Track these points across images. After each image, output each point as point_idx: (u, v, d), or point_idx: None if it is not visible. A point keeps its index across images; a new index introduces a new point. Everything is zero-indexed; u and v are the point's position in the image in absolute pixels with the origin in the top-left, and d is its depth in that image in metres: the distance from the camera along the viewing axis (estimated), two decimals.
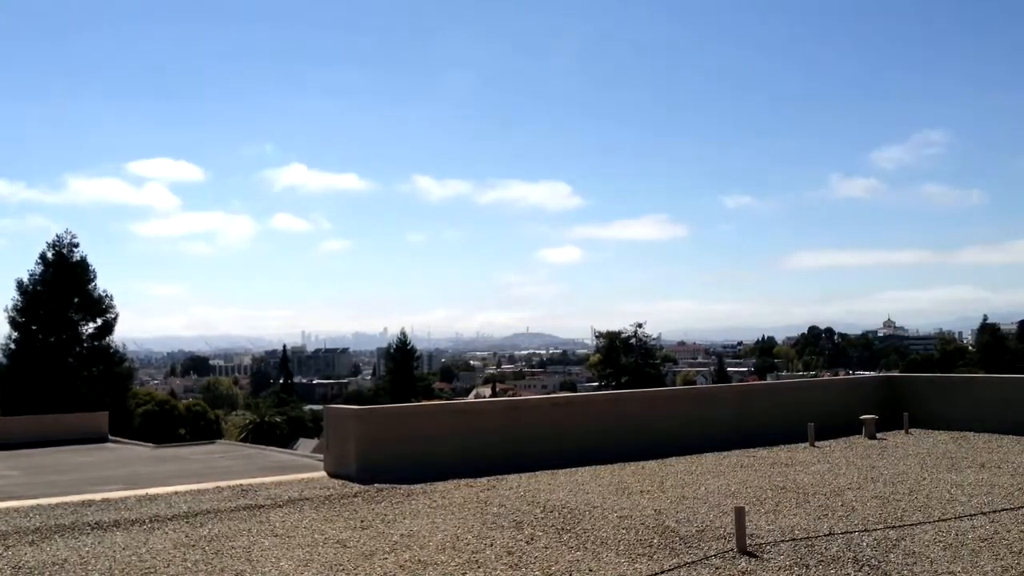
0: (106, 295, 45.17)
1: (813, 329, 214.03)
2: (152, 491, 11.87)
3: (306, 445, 55.34)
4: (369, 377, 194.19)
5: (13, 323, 43.35)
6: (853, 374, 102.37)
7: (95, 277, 45.16)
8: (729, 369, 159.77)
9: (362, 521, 9.57)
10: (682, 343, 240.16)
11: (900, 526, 8.78)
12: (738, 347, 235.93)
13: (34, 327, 43.31)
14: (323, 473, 13.27)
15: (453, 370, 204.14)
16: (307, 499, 11.05)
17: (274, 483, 12.41)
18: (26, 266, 44.56)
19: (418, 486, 11.75)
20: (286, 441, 62.56)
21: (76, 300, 44.22)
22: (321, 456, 15.22)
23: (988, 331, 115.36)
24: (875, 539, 8.19)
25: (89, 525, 9.55)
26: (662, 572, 7.24)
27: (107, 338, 45.29)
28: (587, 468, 13.12)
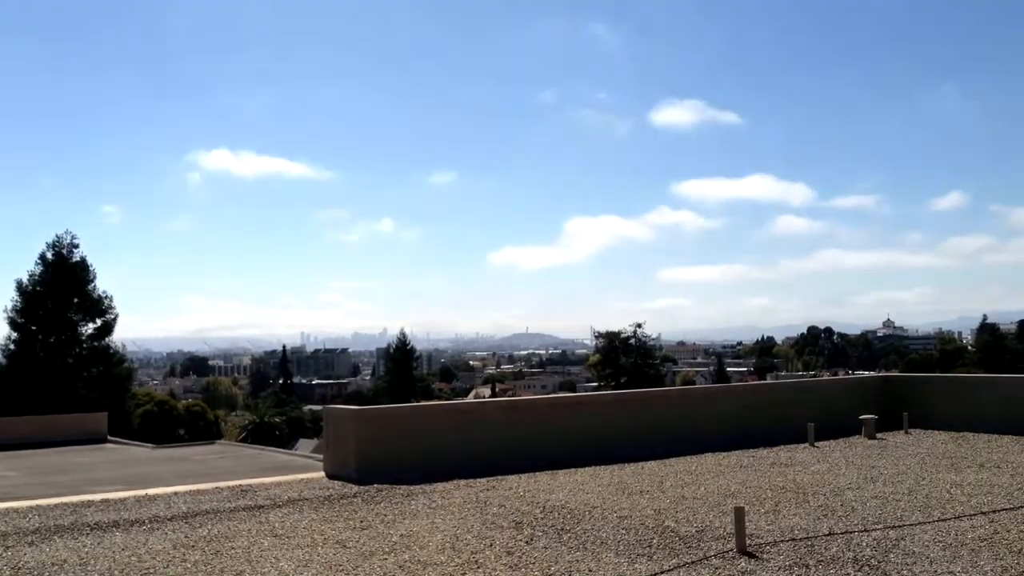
0: (106, 296, 45.19)
1: (812, 329, 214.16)
2: (151, 491, 11.86)
3: (305, 445, 55.39)
4: (369, 377, 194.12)
5: (13, 324, 43.32)
6: (853, 374, 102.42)
7: (95, 277, 45.16)
8: (729, 369, 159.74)
9: (361, 521, 9.57)
10: (682, 343, 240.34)
11: (900, 526, 8.78)
12: (738, 347, 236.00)
13: (34, 327, 43.28)
14: (322, 473, 13.26)
15: (452, 370, 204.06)
16: (306, 499, 11.04)
17: (273, 483, 12.40)
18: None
19: (417, 486, 11.75)
20: (285, 441, 62.68)
21: (76, 301, 44.19)
22: (320, 456, 15.21)
23: (988, 331, 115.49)
24: (875, 539, 8.19)
25: (88, 526, 9.55)
26: (662, 572, 7.24)
27: (107, 339, 45.30)
28: (587, 468, 13.12)
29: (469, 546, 8.27)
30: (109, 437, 26.80)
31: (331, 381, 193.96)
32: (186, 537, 8.91)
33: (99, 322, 44.90)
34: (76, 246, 44.85)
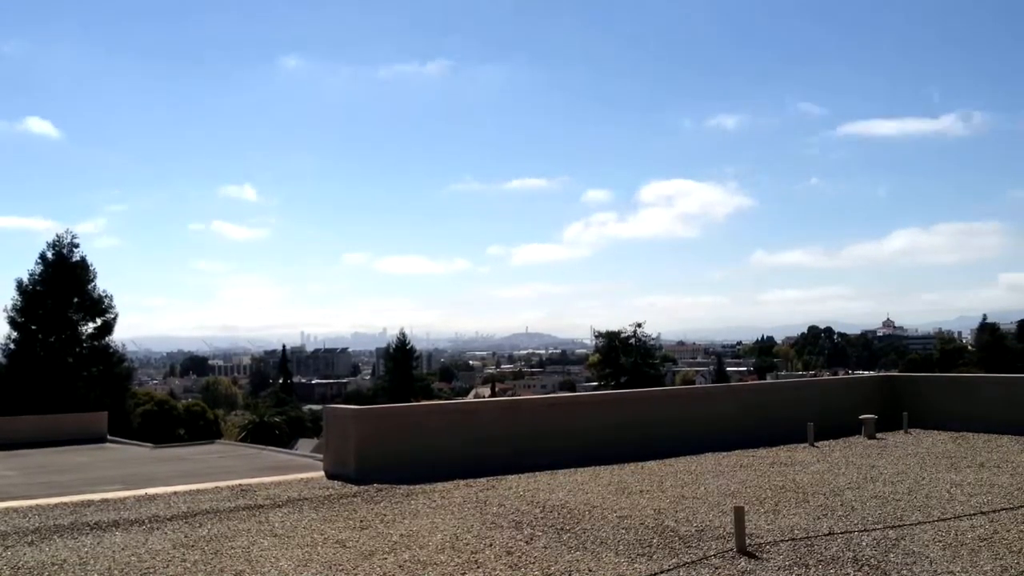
0: (106, 295, 45.22)
1: (812, 329, 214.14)
2: (151, 491, 11.87)
3: (305, 445, 55.30)
4: (368, 377, 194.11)
5: (13, 323, 43.34)
6: (852, 374, 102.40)
7: (95, 277, 45.20)
8: (728, 369, 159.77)
9: (361, 521, 9.57)
10: (681, 343, 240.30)
11: (899, 526, 8.78)
12: (737, 347, 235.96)
13: (34, 327, 43.29)
14: (322, 473, 13.27)
15: (452, 370, 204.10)
16: (306, 499, 11.04)
17: (273, 483, 12.40)
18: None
19: (417, 486, 11.75)
20: (285, 441, 62.57)
21: (76, 300, 44.20)
22: (320, 456, 15.21)
23: (988, 330, 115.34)
24: (874, 539, 8.19)
25: (88, 525, 9.55)
26: (661, 572, 7.24)
27: (106, 338, 45.31)
28: (587, 468, 13.12)
29: (469, 546, 8.27)
30: (109, 437, 26.82)
31: (331, 381, 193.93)
32: (186, 537, 8.91)
33: (99, 321, 44.93)
34: (76, 245, 44.94)
